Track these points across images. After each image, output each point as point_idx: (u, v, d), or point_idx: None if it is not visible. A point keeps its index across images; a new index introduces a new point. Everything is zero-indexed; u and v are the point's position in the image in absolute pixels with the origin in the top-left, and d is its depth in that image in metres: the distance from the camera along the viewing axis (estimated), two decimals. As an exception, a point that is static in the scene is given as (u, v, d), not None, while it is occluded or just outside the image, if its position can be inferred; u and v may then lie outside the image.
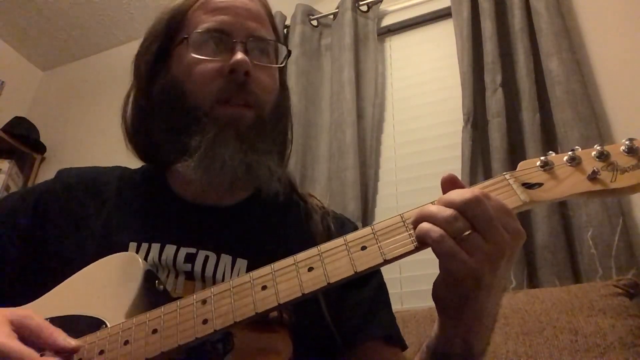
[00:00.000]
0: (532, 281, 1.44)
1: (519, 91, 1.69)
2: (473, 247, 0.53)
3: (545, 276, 1.41)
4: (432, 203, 0.58)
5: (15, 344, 0.56)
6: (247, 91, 0.81)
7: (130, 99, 0.91)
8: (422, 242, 0.56)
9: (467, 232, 0.53)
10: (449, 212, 0.54)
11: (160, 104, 0.84)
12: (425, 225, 0.55)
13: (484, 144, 1.68)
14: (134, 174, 0.93)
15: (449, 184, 0.60)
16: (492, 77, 1.72)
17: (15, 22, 2.85)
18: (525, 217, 1.52)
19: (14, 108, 2.91)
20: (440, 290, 0.59)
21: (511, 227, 0.55)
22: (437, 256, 0.55)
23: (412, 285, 1.67)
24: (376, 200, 1.87)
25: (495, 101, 1.68)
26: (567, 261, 1.41)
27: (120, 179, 0.91)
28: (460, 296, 0.56)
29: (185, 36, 0.83)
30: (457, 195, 0.55)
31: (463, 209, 0.54)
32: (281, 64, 0.90)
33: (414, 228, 0.57)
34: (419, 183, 1.84)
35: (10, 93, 2.87)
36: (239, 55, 0.80)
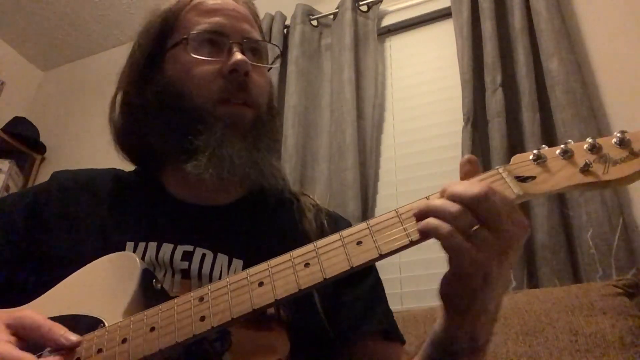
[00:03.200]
0: (532, 281, 1.44)
1: (519, 91, 1.68)
2: (482, 242, 0.53)
3: (545, 276, 1.41)
4: (427, 198, 0.58)
5: (9, 349, 0.56)
6: (246, 91, 0.83)
7: (118, 103, 0.91)
8: (426, 236, 0.56)
9: (475, 227, 0.53)
10: (456, 207, 0.54)
11: (157, 105, 0.84)
12: (433, 221, 0.54)
13: (484, 144, 1.68)
14: (128, 175, 0.94)
15: (469, 166, 0.59)
16: (492, 77, 1.71)
17: (15, 22, 2.86)
18: (525, 217, 1.51)
19: (14, 108, 2.91)
20: (448, 286, 0.58)
21: (517, 219, 0.55)
22: (447, 252, 0.55)
23: (412, 285, 1.67)
24: (376, 200, 1.87)
25: (495, 101, 1.68)
26: (567, 261, 1.41)
27: (115, 180, 0.91)
28: (468, 291, 0.56)
29: (184, 37, 0.84)
30: (463, 189, 0.54)
31: (471, 204, 0.54)
32: (272, 64, 0.93)
33: (417, 221, 0.56)
34: (419, 183, 1.84)
35: (10, 93, 2.88)
36: (239, 56, 0.81)
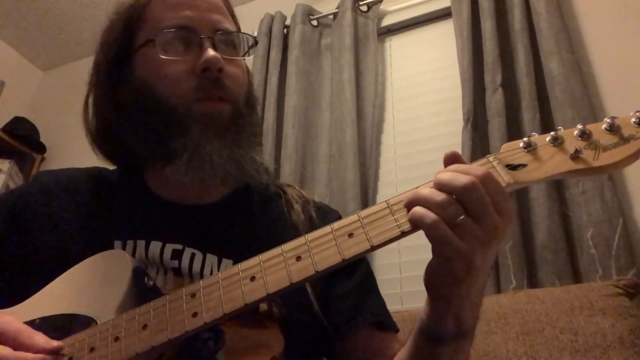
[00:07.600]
0: (532, 281, 1.44)
1: (519, 91, 1.68)
2: (466, 232, 0.53)
3: (545, 276, 1.41)
4: (417, 188, 0.58)
5: (6, 352, 0.56)
6: (222, 87, 0.80)
7: (90, 104, 0.89)
8: (415, 227, 0.55)
9: (461, 218, 0.53)
10: (442, 196, 0.54)
11: (130, 107, 0.82)
12: (419, 210, 0.55)
13: (484, 144, 1.67)
14: (111, 174, 0.92)
15: (452, 161, 0.59)
16: (492, 77, 1.71)
17: (15, 22, 2.86)
18: (525, 217, 1.51)
19: (14, 108, 2.91)
20: (432, 274, 0.58)
21: (504, 209, 0.55)
22: (430, 241, 0.54)
23: (412, 285, 1.65)
24: (376, 200, 1.86)
25: (495, 101, 1.67)
26: (567, 261, 1.40)
27: (98, 179, 0.90)
28: (452, 279, 0.56)
29: (152, 38, 0.80)
30: (451, 178, 0.55)
31: (458, 194, 0.54)
32: (246, 54, 0.89)
33: (407, 211, 0.56)
34: (419, 183, 1.81)
35: (10, 93, 2.88)
36: (210, 53, 0.78)
